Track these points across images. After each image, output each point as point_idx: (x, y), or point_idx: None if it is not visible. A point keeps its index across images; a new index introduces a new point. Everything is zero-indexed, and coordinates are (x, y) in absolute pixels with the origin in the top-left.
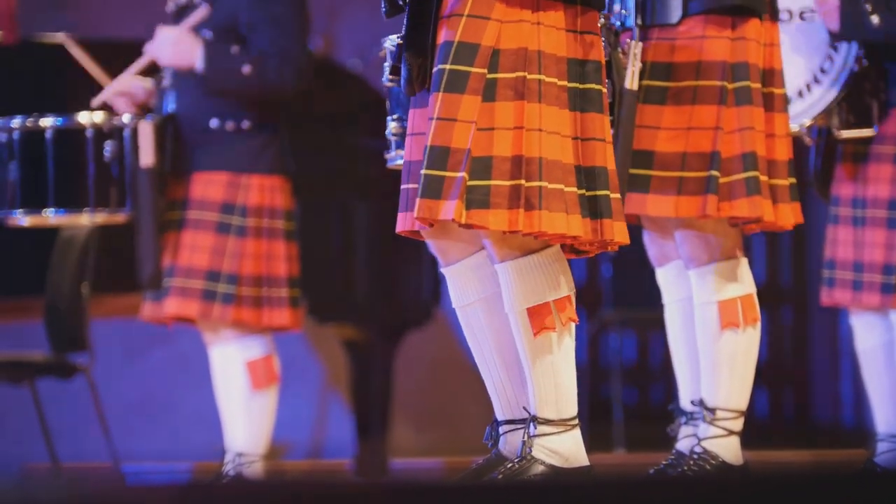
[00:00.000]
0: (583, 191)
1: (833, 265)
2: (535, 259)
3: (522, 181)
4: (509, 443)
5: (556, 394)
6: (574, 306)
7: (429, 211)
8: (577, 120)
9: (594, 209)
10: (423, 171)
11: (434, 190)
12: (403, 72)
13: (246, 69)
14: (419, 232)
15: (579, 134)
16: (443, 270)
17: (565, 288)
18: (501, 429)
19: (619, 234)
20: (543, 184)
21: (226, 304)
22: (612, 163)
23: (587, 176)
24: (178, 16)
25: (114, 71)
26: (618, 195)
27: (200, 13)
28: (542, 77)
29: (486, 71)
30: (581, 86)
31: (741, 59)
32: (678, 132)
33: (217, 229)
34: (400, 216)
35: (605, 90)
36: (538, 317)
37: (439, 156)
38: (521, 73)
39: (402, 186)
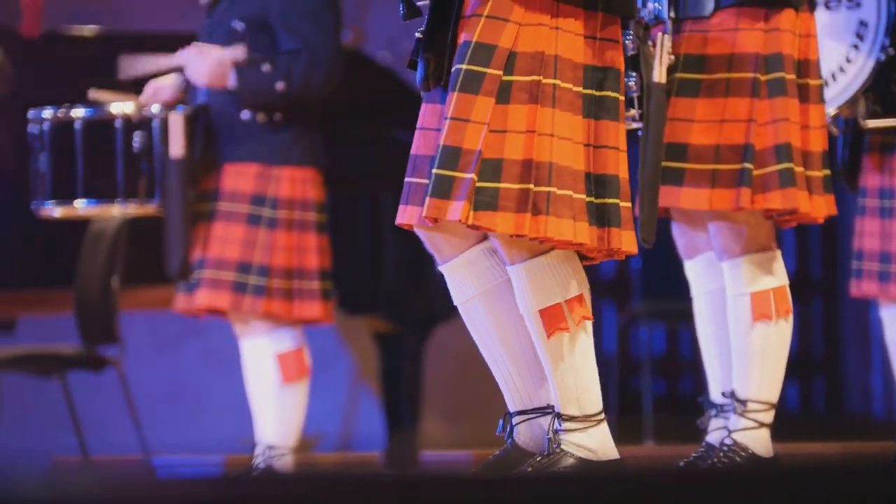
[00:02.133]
0: (591, 198)
1: (861, 256)
2: (544, 260)
3: (531, 185)
4: (522, 433)
5: (577, 392)
6: (588, 304)
7: (437, 210)
8: (591, 127)
9: (602, 217)
10: (434, 171)
11: (443, 190)
12: (420, 68)
13: (279, 86)
14: (419, 224)
15: (592, 141)
16: (440, 268)
17: (577, 287)
18: (514, 420)
19: (626, 243)
20: (552, 189)
21: (257, 297)
22: (625, 171)
23: (597, 183)
24: (212, 7)
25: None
26: (628, 204)
27: (239, 52)
28: (558, 82)
29: (501, 73)
30: (597, 93)
31: (774, 51)
32: (711, 125)
33: (248, 221)
34: (400, 208)
35: (621, 98)
36: (551, 318)
37: (451, 156)
38: (536, 77)
39: (406, 179)
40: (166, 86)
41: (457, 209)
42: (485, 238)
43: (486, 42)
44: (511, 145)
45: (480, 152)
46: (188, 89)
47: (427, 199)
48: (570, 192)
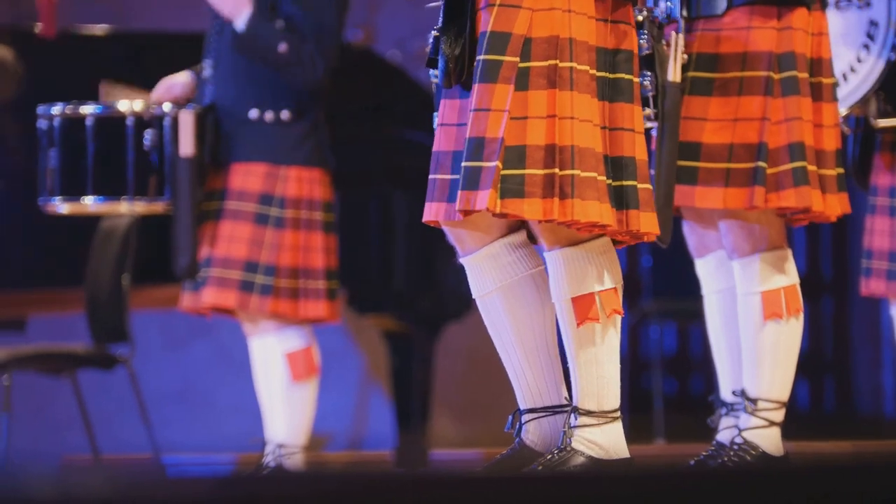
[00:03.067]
0: (609, 180)
1: (871, 255)
2: (583, 249)
3: (556, 170)
4: (531, 432)
5: (597, 385)
6: (620, 299)
7: (467, 202)
8: (606, 109)
9: (620, 199)
10: (463, 164)
11: (473, 181)
12: (440, 64)
13: (282, 47)
14: (446, 220)
15: (607, 123)
16: (461, 261)
17: (611, 280)
18: (524, 418)
19: (646, 224)
20: (576, 172)
21: (263, 296)
22: (643, 153)
23: (614, 166)
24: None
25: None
26: (647, 185)
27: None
28: (574, 65)
29: (518, 59)
30: (611, 75)
31: (787, 49)
32: (725, 123)
33: (255, 220)
34: (427, 206)
35: (636, 80)
36: (582, 307)
37: (476, 147)
38: (553, 62)
39: (430, 176)
40: (178, 83)
41: (484, 198)
42: (508, 233)
43: (500, 31)
44: (533, 131)
45: (503, 140)
46: (199, 82)
47: (459, 192)
48: (593, 174)
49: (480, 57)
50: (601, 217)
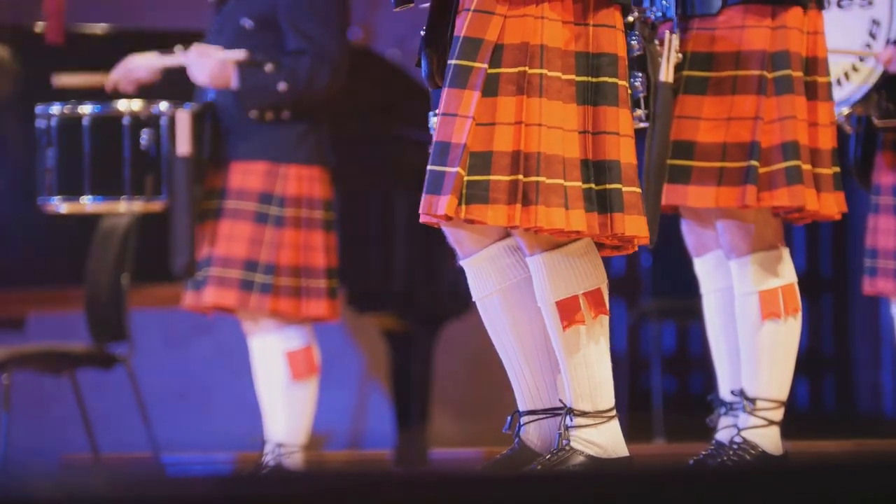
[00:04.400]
0: (590, 185)
1: (875, 254)
2: (563, 252)
3: (520, 176)
4: (531, 433)
5: (589, 386)
6: (605, 299)
7: (429, 206)
8: (588, 113)
9: (603, 203)
10: (428, 167)
11: (436, 185)
12: (424, 66)
13: (281, 86)
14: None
15: (590, 128)
16: (461, 263)
17: (595, 281)
18: (523, 419)
19: (631, 227)
20: (541, 179)
21: (263, 295)
22: (630, 157)
23: (597, 170)
24: (220, 5)
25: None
26: (634, 189)
27: (239, 54)
28: (544, 71)
29: (487, 66)
30: (594, 79)
31: (781, 48)
32: (718, 122)
33: (255, 219)
34: (422, 198)
35: (622, 83)
36: (567, 310)
37: (441, 151)
38: (522, 68)
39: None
40: (141, 66)
41: (443, 203)
42: (507, 235)
43: (472, 36)
44: (500, 137)
45: (466, 146)
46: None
47: (423, 197)
48: (560, 181)
49: (451, 61)
50: (567, 223)
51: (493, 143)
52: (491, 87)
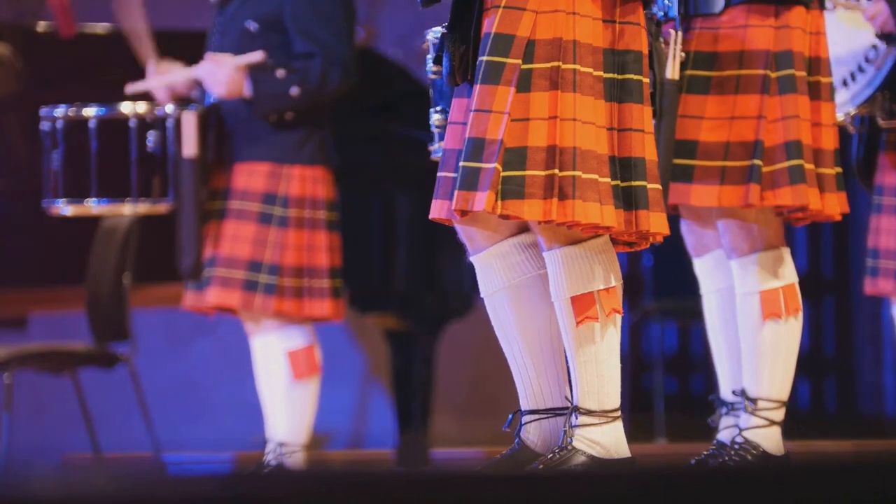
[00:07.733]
0: (617, 181)
1: (877, 254)
2: (582, 248)
3: (556, 171)
4: (532, 433)
5: (598, 384)
6: (620, 298)
7: (465, 202)
8: (614, 110)
9: (629, 200)
10: (461, 164)
11: (470, 181)
12: (445, 62)
13: (294, 91)
14: (450, 219)
15: (615, 125)
16: (471, 259)
17: (611, 279)
18: (524, 418)
19: (655, 224)
20: (577, 173)
21: (267, 295)
22: (653, 153)
23: (622, 167)
24: (222, 5)
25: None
26: (657, 185)
27: (255, 56)
28: (577, 67)
29: (520, 62)
30: (619, 76)
31: (785, 48)
32: (721, 122)
33: (259, 219)
34: (434, 203)
35: (646, 80)
36: (581, 306)
37: (475, 147)
38: (555, 63)
39: (438, 174)
40: (180, 82)
41: (482, 199)
42: (518, 232)
43: (504, 32)
44: (535, 133)
45: (502, 142)
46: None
47: (456, 192)
48: (595, 176)
49: (483, 58)
50: (602, 219)
51: (527, 139)
52: (524, 83)
